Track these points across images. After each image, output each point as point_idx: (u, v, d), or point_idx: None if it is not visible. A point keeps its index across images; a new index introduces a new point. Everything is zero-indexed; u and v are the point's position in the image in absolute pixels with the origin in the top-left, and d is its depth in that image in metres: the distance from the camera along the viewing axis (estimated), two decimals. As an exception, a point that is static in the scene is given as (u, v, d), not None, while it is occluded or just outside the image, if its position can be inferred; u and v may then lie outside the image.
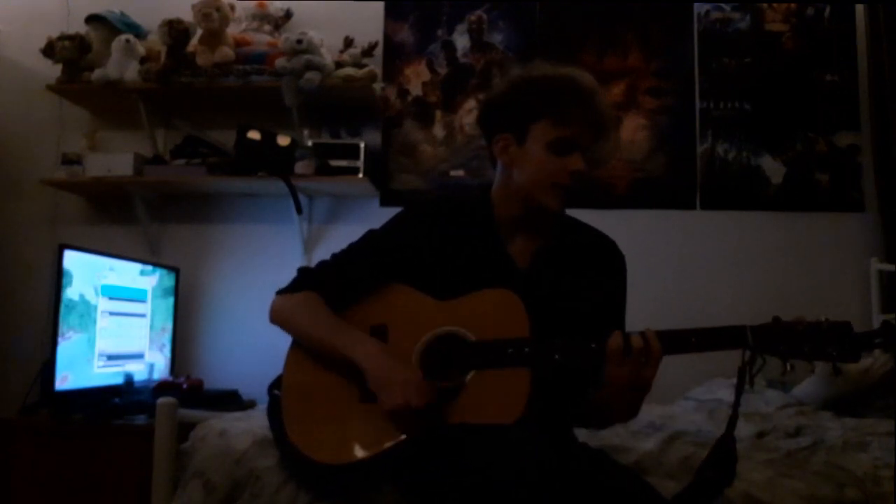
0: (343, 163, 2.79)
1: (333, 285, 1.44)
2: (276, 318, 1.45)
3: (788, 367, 1.19)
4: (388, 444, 1.26)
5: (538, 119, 1.38)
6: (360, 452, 1.27)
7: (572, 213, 1.59)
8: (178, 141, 2.96)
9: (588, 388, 1.45)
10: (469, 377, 1.29)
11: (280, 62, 2.74)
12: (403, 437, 1.26)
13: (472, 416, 1.24)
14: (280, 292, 1.48)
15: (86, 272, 2.42)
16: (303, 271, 1.50)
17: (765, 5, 3.03)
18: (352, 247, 1.50)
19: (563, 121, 1.37)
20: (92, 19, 2.92)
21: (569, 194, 1.41)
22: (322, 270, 1.48)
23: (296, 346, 1.44)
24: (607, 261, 1.52)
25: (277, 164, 2.74)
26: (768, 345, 1.20)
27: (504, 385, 1.27)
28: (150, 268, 2.77)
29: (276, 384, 1.44)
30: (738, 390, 1.22)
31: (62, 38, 2.84)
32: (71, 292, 2.36)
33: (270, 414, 1.44)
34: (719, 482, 1.23)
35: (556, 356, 1.27)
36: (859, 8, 2.97)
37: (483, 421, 1.22)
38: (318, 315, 1.41)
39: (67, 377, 2.33)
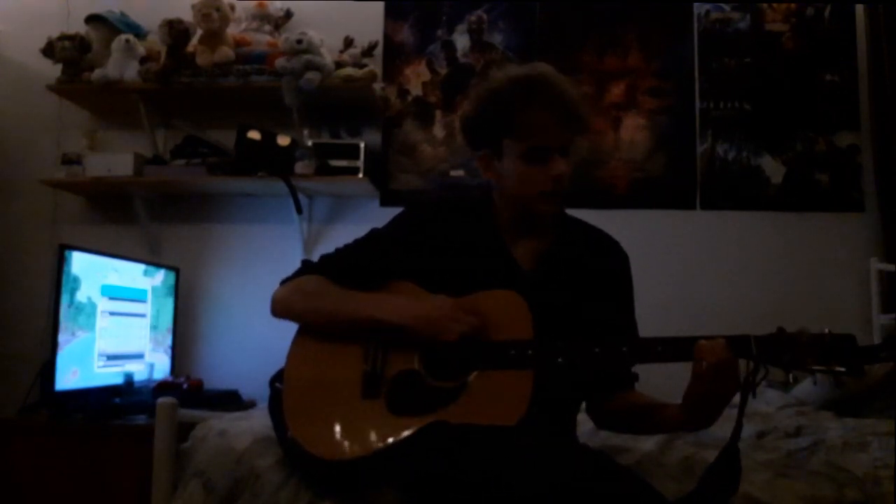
0: (343, 163, 2.79)
1: (337, 274, 1.44)
2: (280, 304, 1.44)
3: (791, 379, 1.20)
4: (387, 442, 1.26)
5: (506, 134, 1.38)
6: (360, 449, 1.27)
7: (572, 213, 1.59)
8: (178, 141, 2.96)
9: (592, 391, 1.46)
10: (471, 377, 1.29)
11: (280, 62, 2.74)
12: (404, 434, 1.26)
13: (473, 416, 1.24)
14: (283, 282, 1.48)
15: (90, 273, 2.42)
16: (306, 262, 1.51)
17: (765, 5, 3.03)
18: (356, 241, 1.50)
19: (530, 133, 1.35)
20: (92, 19, 2.92)
21: (561, 196, 1.40)
22: (326, 261, 1.48)
23: (299, 339, 1.43)
24: (611, 262, 1.52)
25: (277, 164, 2.74)
26: (772, 356, 1.20)
27: (506, 386, 1.27)
28: (152, 268, 2.77)
29: (278, 377, 1.43)
30: (743, 400, 1.22)
31: (62, 38, 2.84)
32: (80, 295, 2.38)
33: (271, 407, 1.44)
34: (723, 493, 1.22)
35: (560, 359, 1.27)
36: (859, 8, 2.97)
37: (485, 421, 1.22)
38: (328, 290, 1.41)
39: (77, 372, 2.35)
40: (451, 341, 1.29)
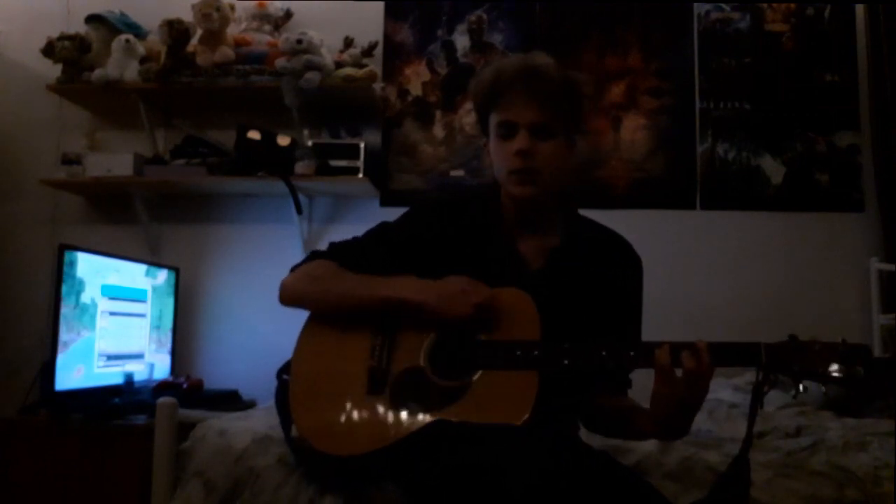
0: (343, 163, 2.79)
1: (347, 260, 1.44)
2: (289, 290, 1.44)
3: (801, 389, 1.15)
4: (391, 439, 1.26)
5: (489, 113, 1.42)
6: (363, 446, 1.27)
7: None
8: (178, 141, 2.96)
9: (594, 393, 1.46)
10: (476, 376, 1.29)
11: (280, 62, 2.74)
12: (407, 432, 1.26)
13: (477, 415, 1.24)
14: (292, 269, 1.48)
15: (90, 273, 2.42)
16: (315, 252, 1.51)
17: (765, 5, 3.03)
18: (365, 234, 1.51)
19: (501, 106, 1.38)
20: (92, 19, 2.92)
21: (534, 178, 1.38)
22: (335, 249, 1.49)
23: (307, 331, 1.43)
24: (622, 262, 1.50)
25: (277, 164, 2.74)
26: (782, 364, 1.17)
27: (511, 386, 1.26)
28: (153, 268, 2.77)
29: (285, 369, 1.42)
30: (753, 411, 1.19)
31: (62, 38, 2.84)
32: (84, 297, 2.39)
33: (278, 399, 1.43)
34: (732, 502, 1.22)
35: (565, 361, 1.26)
36: (859, 8, 2.97)
37: (490, 420, 1.22)
38: (339, 273, 1.41)
39: (82, 370, 2.37)
40: (465, 316, 1.29)
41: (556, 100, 1.37)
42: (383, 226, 1.51)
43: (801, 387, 1.15)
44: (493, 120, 1.41)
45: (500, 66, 1.41)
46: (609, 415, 1.44)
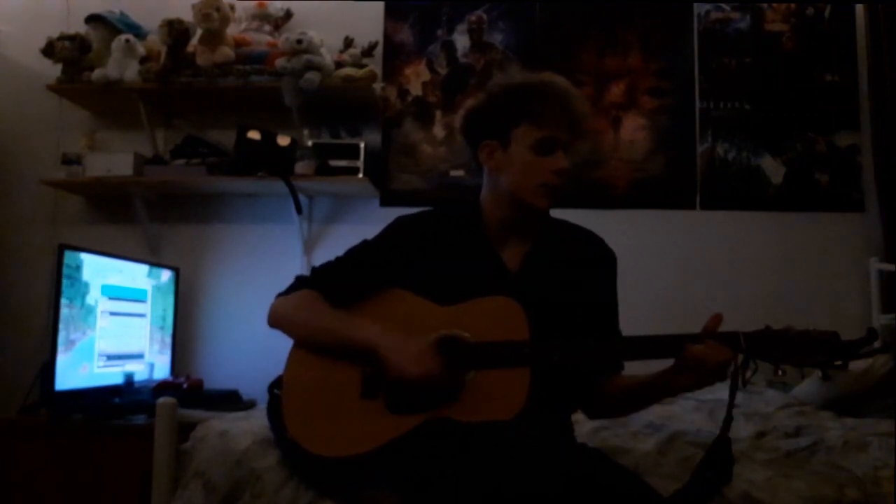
0: (343, 163, 2.79)
1: (330, 286, 1.46)
2: (275, 318, 1.47)
3: (780, 372, 1.26)
4: (386, 440, 1.28)
5: (520, 123, 1.43)
6: (359, 447, 1.28)
7: (572, 213, 1.61)
8: (178, 141, 2.96)
9: (590, 383, 1.49)
10: (469, 376, 1.31)
11: (280, 62, 2.74)
12: (403, 432, 1.27)
13: (471, 413, 1.27)
14: (279, 296, 1.51)
15: (90, 273, 2.42)
16: (300, 278, 1.53)
17: (765, 5, 3.03)
18: (347, 252, 1.53)
19: (544, 122, 1.41)
20: (92, 19, 2.92)
21: (558, 192, 1.44)
22: (318, 273, 1.51)
23: (297, 347, 1.45)
24: (597, 258, 1.55)
25: (277, 164, 2.74)
26: (761, 350, 1.26)
27: (504, 383, 1.29)
28: (154, 268, 2.78)
29: (276, 384, 1.45)
30: (732, 393, 1.28)
31: (62, 38, 2.84)
32: (90, 298, 2.41)
33: (270, 412, 1.46)
34: (717, 483, 1.25)
35: (555, 357, 1.31)
36: (859, 8, 2.97)
37: (483, 418, 1.24)
38: (318, 308, 1.43)
39: (87, 367, 2.38)
40: (410, 379, 1.29)
41: (584, 125, 1.46)
42: (364, 244, 1.53)
43: (780, 371, 1.26)
44: (528, 133, 1.42)
45: (543, 83, 1.43)
46: (617, 394, 1.47)
